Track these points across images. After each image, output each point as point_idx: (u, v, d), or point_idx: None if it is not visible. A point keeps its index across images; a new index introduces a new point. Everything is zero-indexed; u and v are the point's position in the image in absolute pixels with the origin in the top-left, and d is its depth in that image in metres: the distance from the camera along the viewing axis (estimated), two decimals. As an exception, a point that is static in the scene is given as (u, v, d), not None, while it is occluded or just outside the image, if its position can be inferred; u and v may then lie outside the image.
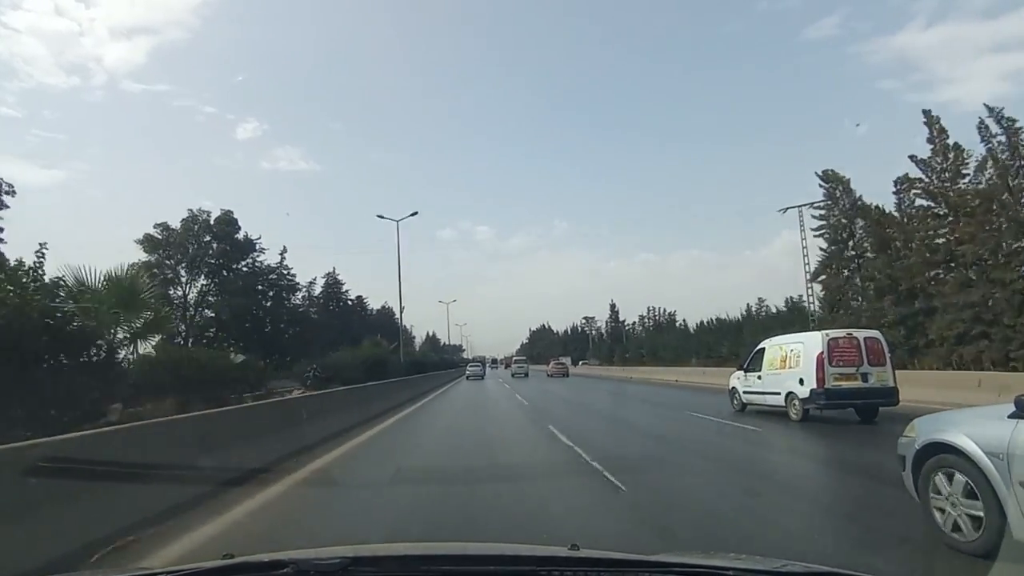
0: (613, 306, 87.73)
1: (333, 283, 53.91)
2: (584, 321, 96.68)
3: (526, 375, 45.24)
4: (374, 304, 65.37)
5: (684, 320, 65.05)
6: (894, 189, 28.26)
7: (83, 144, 75.23)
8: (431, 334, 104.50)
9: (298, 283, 39.39)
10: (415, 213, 33.49)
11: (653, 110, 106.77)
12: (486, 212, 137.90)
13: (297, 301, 40.65)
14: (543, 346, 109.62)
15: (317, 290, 50.76)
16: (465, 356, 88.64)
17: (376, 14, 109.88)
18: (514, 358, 62.69)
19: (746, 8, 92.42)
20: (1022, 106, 55.22)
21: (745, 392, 13.64)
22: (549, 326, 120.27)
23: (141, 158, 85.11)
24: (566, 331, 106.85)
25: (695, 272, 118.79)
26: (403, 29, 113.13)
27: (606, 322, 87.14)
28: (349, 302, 56.01)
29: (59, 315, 7.48)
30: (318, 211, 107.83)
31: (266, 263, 36.15)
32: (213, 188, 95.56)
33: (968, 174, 24.89)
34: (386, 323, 57.37)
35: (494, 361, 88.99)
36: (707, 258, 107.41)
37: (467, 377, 41.54)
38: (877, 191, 68.62)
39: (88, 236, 70.12)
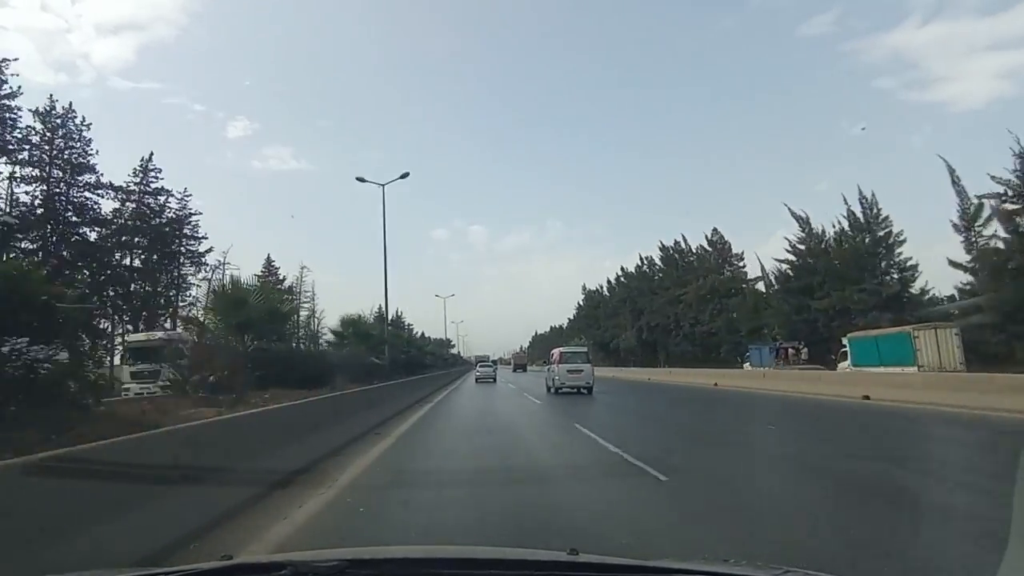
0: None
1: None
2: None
3: (583, 390, 21.17)
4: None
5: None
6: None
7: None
8: (395, 313, 61.02)
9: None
10: (406, 174, 25.98)
11: (649, 108, 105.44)
12: (480, 212, 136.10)
13: None
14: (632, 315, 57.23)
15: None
16: (453, 352, 76.70)
17: (371, 12, 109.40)
18: (562, 351, 24.90)
19: (738, 5, 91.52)
20: (1021, 105, 53.97)
21: None
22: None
23: (136, 156, 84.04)
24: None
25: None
26: (396, 28, 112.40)
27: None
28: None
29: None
30: (314, 209, 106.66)
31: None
32: (206, 186, 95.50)
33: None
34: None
35: (493, 362, 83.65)
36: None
37: (476, 380, 37.78)
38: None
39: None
